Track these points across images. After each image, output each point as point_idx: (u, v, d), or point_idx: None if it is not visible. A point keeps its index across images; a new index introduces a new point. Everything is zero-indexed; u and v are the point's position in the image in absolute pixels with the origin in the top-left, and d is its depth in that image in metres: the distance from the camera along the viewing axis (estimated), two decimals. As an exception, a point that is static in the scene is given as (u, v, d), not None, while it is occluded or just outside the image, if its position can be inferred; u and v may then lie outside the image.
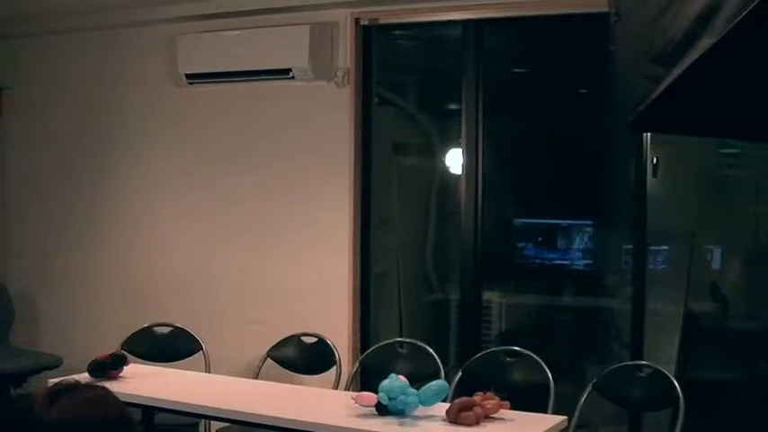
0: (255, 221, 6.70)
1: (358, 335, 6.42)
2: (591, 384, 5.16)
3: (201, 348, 6.03)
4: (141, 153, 7.13)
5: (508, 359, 5.48)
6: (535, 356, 5.35)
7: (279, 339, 6.04)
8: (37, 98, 7.58)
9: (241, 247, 6.75)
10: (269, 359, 5.98)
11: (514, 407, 4.46)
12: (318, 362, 5.96)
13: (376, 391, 4.43)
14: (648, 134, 5.64)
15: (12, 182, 7.73)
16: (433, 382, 4.53)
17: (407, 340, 5.88)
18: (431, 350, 5.64)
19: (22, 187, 7.70)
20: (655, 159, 5.89)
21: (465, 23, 6.24)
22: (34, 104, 7.59)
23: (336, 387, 5.76)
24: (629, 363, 5.41)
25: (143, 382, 5.15)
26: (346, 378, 5.91)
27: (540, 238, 7.14)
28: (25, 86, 7.62)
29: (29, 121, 7.63)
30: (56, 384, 2.09)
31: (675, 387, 4.87)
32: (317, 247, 6.49)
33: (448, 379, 5.24)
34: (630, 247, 5.95)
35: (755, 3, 1.58)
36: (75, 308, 7.34)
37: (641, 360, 5.48)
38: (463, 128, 6.25)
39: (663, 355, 6.01)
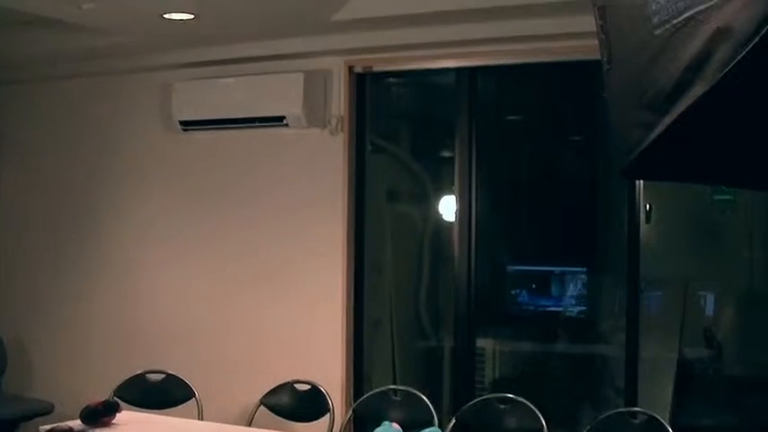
0: (249, 269, 6.70)
1: (351, 382, 6.40)
2: (585, 431, 5.14)
3: (194, 395, 6.01)
4: (134, 200, 7.13)
5: (502, 406, 5.47)
6: (529, 403, 5.33)
7: (272, 386, 6.02)
8: (31, 144, 7.60)
9: (234, 293, 6.74)
10: (262, 406, 5.95)
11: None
12: (312, 409, 5.94)
13: (370, 439, 4.42)
14: (641, 181, 5.65)
15: (5, 228, 7.72)
16: (427, 430, 4.52)
17: (401, 387, 5.87)
18: (424, 397, 5.63)
19: (12, 233, 7.69)
20: (648, 206, 5.91)
21: (458, 71, 6.27)
22: (29, 151, 7.61)
23: (330, 435, 5.74)
24: (623, 409, 5.40)
25: (136, 429, 5.13)
26: (340, 425, 5.89)
27: (533, 285, 7.13)
28: (18, 131, 7.64)
29: (21, 167, 7.64)
30: (51, 429, 2.10)
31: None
32: (311, 295, 6.48)
33: (442, 426, 5.23)
34: (624, 292, 5.95)
35: (747, 50, 1.59)
36: (68, 354, 7.32)
37: (635, 407, 5.47)
38: (456, 175, 6.27)
39: (657, 402, 5.99)
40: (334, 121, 6.37)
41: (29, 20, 6.22)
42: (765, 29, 1.55)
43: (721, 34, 1.66)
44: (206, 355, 6.73)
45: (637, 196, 5.79)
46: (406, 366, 7.23)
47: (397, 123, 7.50)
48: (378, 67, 6.49)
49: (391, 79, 7.04)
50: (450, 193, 6.45)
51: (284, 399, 6.01)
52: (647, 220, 5.94)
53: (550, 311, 7.08)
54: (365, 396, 5.99)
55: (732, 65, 1.63)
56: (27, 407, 6.93)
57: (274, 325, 6.58)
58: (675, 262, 6.71)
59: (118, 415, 5.17)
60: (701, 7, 1.73)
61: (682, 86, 1.79)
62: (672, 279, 6.55)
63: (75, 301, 7.33)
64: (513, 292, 7.22)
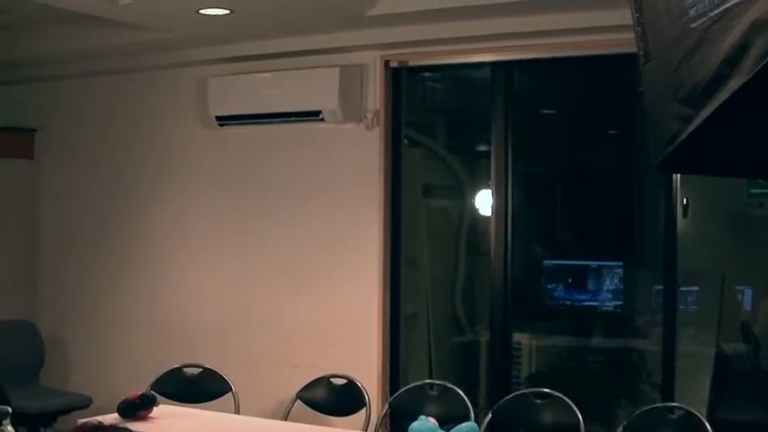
0: (285, 263, 6.71)
1: (388, 376, 6.41)
2: (622, 426, 5.12)
3: (231, 389, 6.03)
4: (172, 195, 7.16)
5: (538, 401, 5.46)
6: (565, 398, 5.32)
7: (309, 381, 6.03)
8: (68, 140, 7.64)
9: (271, 288, 6.75)
10: (299, 400, 5.97)
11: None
12: (348, 403, 5.94)
13: (406, 433, 4.42)
14: (678, 175, 5.63)
15: (44, 225, 7.78)
16: (463, 424, 4.51)
17: (437, 382, 5.86)
18: (460, 392, 5.62)
19: (53, 230, 7.75)
20: (685, 200, 5.88)
21: (494, 65, 6.26)
22: (66, 147, 7.65)
23: (366, 429, 5.74)
24: (660, 404, 5.38)
25: (173, 422, 5.15)
26: (376, 420, 5.89)
27: (569, 280, 7.11)
28: (57, 129, 7.69)
29: (60, 164, 7.69)
30: (82, 425, 2.09)
31: (707, 429, 4.83)
32: (347, 289, 6.49)
33: (478, 421, 5.22)
34: (661, 287, 5.92)
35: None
36: (106, 348, 7.36)
37: (672, 402, 5.44)
38: (492, 169, 6.26)
39: (694, 397, 5.96)
40: (369, 116, 6.38)
41: (66, 17, 6.26)
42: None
43: (758, 27, 1.65)
44: (243, 350, 6.75)
45: (673, 190, 5.76)
46: (442, 361, 7.23)
47: (432, 118, 7.51)
48: (413, 62, 6.49)
49: (427, 73, 7.04)
50: (486, 187, 6.44)
51: (320, 393, 6.02)
52: (684, 214, 5.91)
53: (587, 306, 7.06)
54: (401, 390, 5.99)
55: (769, 58, 1.62)
56: (65, 400, 6.98)
57: (311, 319, 6.60)
58: (712, 256, 6.67)
59: (155, 408, 5.19)
60: None
61: (718, 80, 1.78)
62: (709, 273, 6.52)
63: (113, 296, 7.37)
64: (549, 286, 7.20)
